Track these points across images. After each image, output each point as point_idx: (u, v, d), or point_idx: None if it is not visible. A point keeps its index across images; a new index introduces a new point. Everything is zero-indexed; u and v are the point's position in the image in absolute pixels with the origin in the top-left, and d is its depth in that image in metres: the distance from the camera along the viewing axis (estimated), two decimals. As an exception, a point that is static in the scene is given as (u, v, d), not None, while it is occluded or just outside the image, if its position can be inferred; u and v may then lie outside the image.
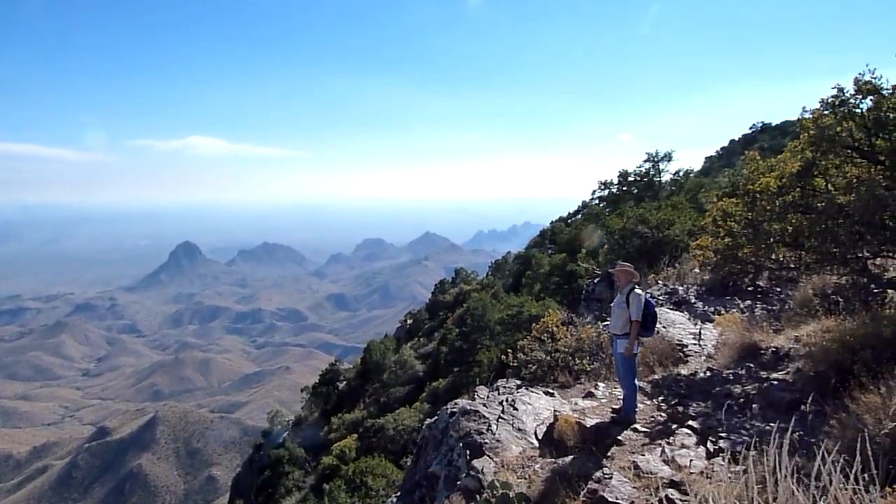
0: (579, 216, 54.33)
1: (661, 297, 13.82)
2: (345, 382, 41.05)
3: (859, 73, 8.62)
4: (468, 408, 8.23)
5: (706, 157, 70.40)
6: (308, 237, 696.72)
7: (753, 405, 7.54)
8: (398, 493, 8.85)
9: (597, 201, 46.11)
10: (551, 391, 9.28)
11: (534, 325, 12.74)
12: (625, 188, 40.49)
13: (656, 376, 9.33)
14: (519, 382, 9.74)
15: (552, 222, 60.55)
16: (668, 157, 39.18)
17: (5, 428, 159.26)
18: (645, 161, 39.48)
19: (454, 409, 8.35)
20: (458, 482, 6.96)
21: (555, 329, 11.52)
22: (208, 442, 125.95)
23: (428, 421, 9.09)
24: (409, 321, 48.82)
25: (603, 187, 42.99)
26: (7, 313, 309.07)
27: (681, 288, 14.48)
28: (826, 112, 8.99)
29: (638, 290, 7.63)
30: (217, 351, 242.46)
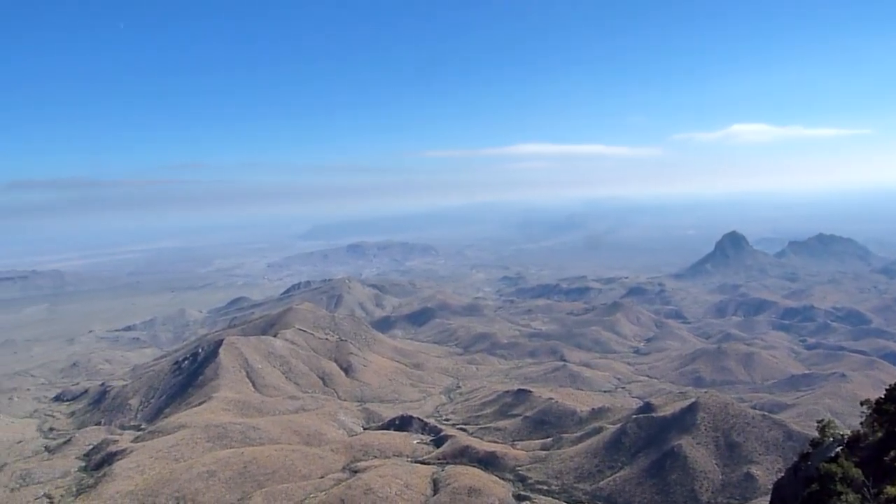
0: None
1: None
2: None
3: None
4: None
5: None
6: (874, 228, 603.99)
7: None
8: None
9: None
10: None
11: None
12: None
13: None
14: None
15: None
16: None
17: (572, 388, 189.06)
18: None
19: None
20: None
21: None
22: (748, 438, 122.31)
23: None
24: None
25: None
26: (575, 291, 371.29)
27: None
28: None
29: None
30: (761, 346, 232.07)
